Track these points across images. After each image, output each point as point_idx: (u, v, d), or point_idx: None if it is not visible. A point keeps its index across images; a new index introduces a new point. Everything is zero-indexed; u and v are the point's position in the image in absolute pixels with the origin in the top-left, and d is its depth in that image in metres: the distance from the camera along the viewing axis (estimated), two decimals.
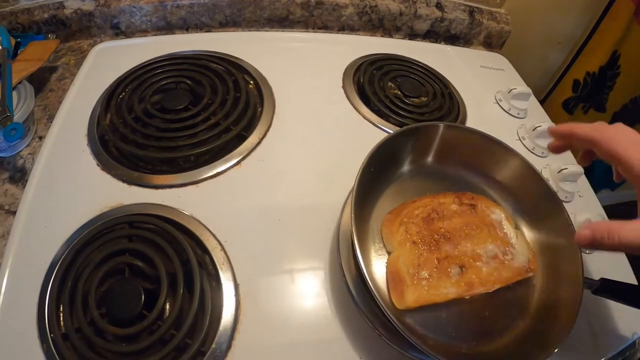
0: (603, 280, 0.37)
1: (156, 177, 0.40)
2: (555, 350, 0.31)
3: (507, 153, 0.43)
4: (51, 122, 0.45)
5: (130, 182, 0.40)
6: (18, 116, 0.42)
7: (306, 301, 0.35)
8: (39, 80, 0.51)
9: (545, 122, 0.57)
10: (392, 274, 0.35)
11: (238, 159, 0.42)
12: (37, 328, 0.30)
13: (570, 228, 0.38)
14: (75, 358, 0.29)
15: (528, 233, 0.42)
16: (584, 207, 0.51)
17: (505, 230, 0.40)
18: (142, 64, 0.50)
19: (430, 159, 0.43)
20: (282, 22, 0.62)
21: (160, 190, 0.39)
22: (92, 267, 0.32)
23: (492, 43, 0.78)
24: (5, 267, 0.33)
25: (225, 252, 0.35)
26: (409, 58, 0.62)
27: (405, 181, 0.42)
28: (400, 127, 0.43)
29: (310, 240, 0.38)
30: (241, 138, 0.43)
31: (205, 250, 0.35)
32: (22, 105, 0.43)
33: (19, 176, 0.42)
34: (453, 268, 0.36)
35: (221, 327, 0.31)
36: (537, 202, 0.42)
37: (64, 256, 0.33)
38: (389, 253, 0.37)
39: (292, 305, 0.34)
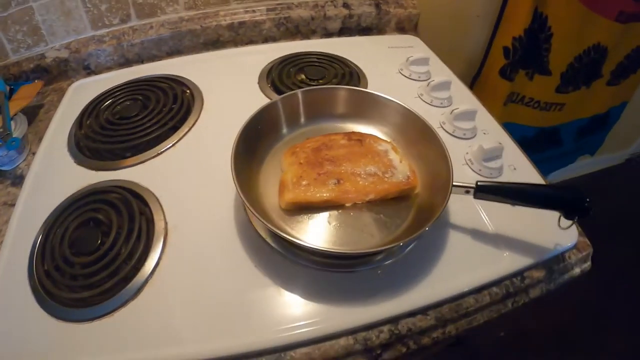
0: (478, 182, 0.43)
1: (115, 163, 0.55)
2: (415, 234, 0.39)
3: (382, 101, 0.54)
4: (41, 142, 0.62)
5: (97, 169, 0.55)
6: (15, 135, 0.58)
7: (217, 230, 0.47)
8: (32, 115, 0.67)
9: (442, 77, 0.66)
10: (281, 185, 0.46)
11: (173, 143, 0.57)
12: (26, 269, 0.44)
13: (442, 147, 0.46)
14: (53, 287, 0.42)
15: (415, 162, 0.50)
16: (486, 140, 0.57)
17: (390, 157, 0.49)
18: (107, 90, 0.67)
19: (302, 119, 0.56)
20: (215, 43, 0.78)
21: (118, 171, 0.54)
22: (66, 224, 0.47)
23: (405, 27, 0.90)
24: (9, 235, 0.48)
25: (160, 203, 0.49)
26: (320, 52, 0.76)
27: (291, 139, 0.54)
28: None
29: (225, 190, 0.51)
30: (176, 128, 0.58)
31: (146, 204, 0.49)
32: (18, 129, 0.59)
33: (18, 181, 0.57)
34: (331, 180, 0.46)
35: (152, 251, 0.45)
36: (418, 135, 0.51)
37: (46, 219, 0.48)
38: None
39: (206, 235, 0.46)
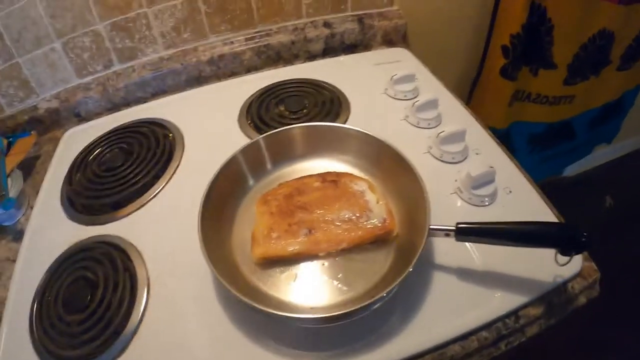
0: (458, 224, 0.41)
1: (103, 217, 0.57)
2: (392, 287, 0.37)
3: (351, 133, 0.53)
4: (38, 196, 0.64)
5: (87, 223, 0.57)
6: (12, 194, 0.61)
7: (195, 281, 0.47)
8: (29, 167, 0.70)
9: (428, 95, 0.63)
10: (252, 238, 0.46)
11: (155, 193, 0.58)
12: (27, 328, 0.47)
13: (419, 183, 0.44)
14: (52, 344, 0.45)
15: (394, 199, 0.49)
16: (478, 162, 0.53)
17: (366, 198, 0.48)
18: (94, 140, 0.69)
19: (269, 165, 0.55)
20: (198, 79, 0.79)
21: (105, 226, 0.56)
22: (58, 284, 0.49)
23: (393, 39, 0.87)
24: (11, 293, 0.51)
25: (142, 257, 0.51)
26: (301, 79, 0.75)
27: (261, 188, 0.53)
28: None
29: None
30: (158, 177, 0.60)
31: (129, 258, 0.51)
32: (14, 187, 0.62)
33: (19, 236, 0.60)
34: (302, 230, 0.45)
35: (137, 304, 0.46)
36: (395, 167, 0.49)
37: (42, 278, 0.51)
38: None
39: (186, 286, 0.47)
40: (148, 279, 0.49)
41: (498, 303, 0.44)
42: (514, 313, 0.44)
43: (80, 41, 0.72)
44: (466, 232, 0.42)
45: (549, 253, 0.42)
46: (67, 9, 0.68)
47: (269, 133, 0.53)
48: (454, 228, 0.42)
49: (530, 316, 0.45)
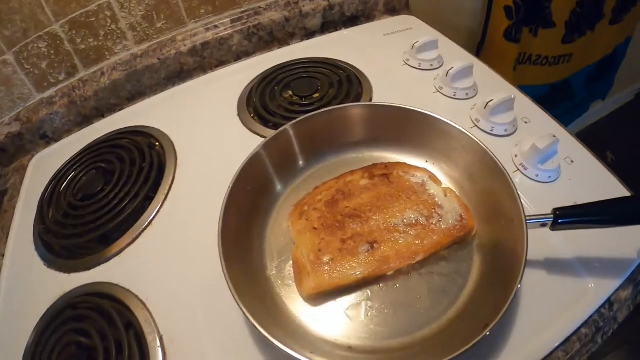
0: (556, 210, 0.34)
1: (88, 260, 0.45)
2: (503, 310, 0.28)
3: (402, 114, 0.42)
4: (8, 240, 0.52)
5: (69, 271, 0.45)
6: None
7: (225, 338, 0.36)
8: None
9: (461, 62, 0.54)
10: (295, 266, 0.35)
11: (149, 220, 0.46)
12: None
13: (502, 170, 0.35)
14: None
15: (467, 187, 0.39)
16: (532, 132, 0.47)
17: (430, 192, 0.38)
18: (65, 163, 0.56)
19: (300, 162, 0.43)
20: (180, 75, 0.66)
21: (92, 271, 0.44)
22: (48, 352, 0.38)
23: (396, 7, 0.78)
24: None
25: (148, 310, 0.39)
26: (304, 58, 0.63)
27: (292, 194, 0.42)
28: None
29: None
30: (150, 198, 0.47)
31: (131, 311, 0.39)
32: None
33: None
34: (362, 246, 0.34)
35: None
36: (463, 152, 0.40)
37: (26, 348, 0.39)
38: None
39: (214, 347, 0.36)
40: (161, 341, 0.37)
41: (594, 293, 0.38)
42: (609, 300, 0.38)
43: (36, 48, 0.59)
44: (565, 220, 0.34)
45: (629, 228, 0.36)
46: (15, 11, 0.55)
47: (299, 120, 0.41)
48: (552, 216, 0.34)
49: (621, 300, 0.39)
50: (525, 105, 0.54)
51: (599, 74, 1.13)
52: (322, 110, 0.43)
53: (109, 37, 0.62)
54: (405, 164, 0.40)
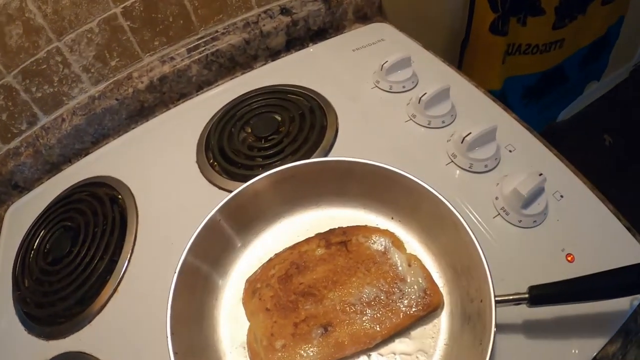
0: (531, 288, 0.32)
1: (64, 327, 0.46)
2: None
3: (350, 167, 0.40)
4: None
5: (47, 337, 0.46)
6: None
7: None
8: None
9: (436, 83, 0.49)
10: (249, 350, 0.35)
11: (115, 285, 0.46)
12: None
13: (472, 244, 0.32)
14: None
15: (434, 249, 0.37)
16: (516, 165, 0.44)
17: (392, 261, 0.35)
18: (34, 221, 0.56)
19: (238, 243, 0.41)
20: (141, 112, 0.65)
21: (67, 339, 0.45)
22: None
23: (367, 14, 0.72)
24: None
25: None
26: (266, 87, 0.61)
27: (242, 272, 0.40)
28: None
29: None
30: (113, 263, 0.48)
31: None
32: None
33: None
34: (315, 330, 0.33)
35: None
36: (427, 212, 0.37)
37: None
38: None
39: None
40: None
41: (577, 359, 0.35)
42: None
43: None
44: (542, 299, 0.33)
45: None
46: None
47: (223, 203, 0.38)
48: (526, 296, 0.32)
49: (608, 355, 0.36)
50: (510, 129, 0.50)
51: (593, 57, 1.09)
52: (245, 185, 0.39)
53: (64, 82, 0.60)
54: (366, 227, 0.38)
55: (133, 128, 0.64)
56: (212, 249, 0.39)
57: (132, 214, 0.52)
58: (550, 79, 1.02)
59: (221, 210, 0.38)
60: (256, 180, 0.39)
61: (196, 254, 0.36)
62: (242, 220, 0.41)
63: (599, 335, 0.36)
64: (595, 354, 0.35)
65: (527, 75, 0.98)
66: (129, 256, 0.48)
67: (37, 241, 0.54)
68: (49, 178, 0.64)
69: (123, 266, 0.48)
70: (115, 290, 0.46)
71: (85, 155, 0.64)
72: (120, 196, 0.54)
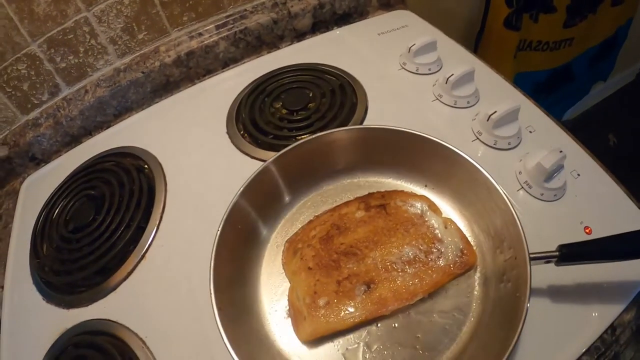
0: (561, 247, 0.33)
1: (86, 296, 0.44)
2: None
3: (394, 137, 0.40)
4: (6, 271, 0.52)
5: (68, 306, 0.45)
6: None
7: None
8: None
9: (461, 66, 0.51)
10: (291, 309, 0.34)
11: (143, 252, 0.45)
12: None
13: (507, 204, 0.33)
14: None
15: (468, 215, 0.38)
16: (537, 144, 0.45)
17: (429, 223, 0.36)
18: (55, 190, 0.55)
19: (287, 198, 0.41)
20: (166, 87, 0.64)
21: (90, 307, 0.44)
22: None
23: (390, 1, 0.73)
24: None
25: (148, 348, 0.39)
26: (295, 65, 0.61)
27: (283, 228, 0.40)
28: None
29: None
30: (140, 229, 0.46)
31: (132, 351, 0.39)
32: None
33: None
34: (358, 287, 0.33)
35: None
36: (461, 177, 0.38)
37: None
38: None
39: None
40: None
41: (597, 321, 0.36)
42: (611, 326, 0.37)
43: (15, 70, 0.57)
44: (571, 257, 0.33)
45: None
46: None
47: (282, 152, 0.39)
48: (557, 253, 0.33)
49: (624, 323, 0.38)
50: (530, 112, 0.52)
51: (601, 57, 1.11)
52: (297, 143, 0.40)
53: (90, 53, 0.59)
54: (403, 192, 0.38)
55: (157, 102, 0.63)
56: (264, 195, 0.39)
57: (160, 183, 0.50)
58: (559, 77, 1.04)
59: (275, 162, 0.38)
60: (306, 141, 0.39)
61: (248, 198, 0.36)
62: (293, 177, 0.41)
63: (617, 302, 0.37)
64: (613, 319, 0.36)
65: (537, 72, 0.99)
66: (157, 223, 0.47)
67: (57, 210, 0.52)
68: (67, 151, 0.63)
69: (151, 234, 0.46)
70: (143, 257, 0.45)
71: (107, 127, 0.63)
72: (146, 166, 0.53)
